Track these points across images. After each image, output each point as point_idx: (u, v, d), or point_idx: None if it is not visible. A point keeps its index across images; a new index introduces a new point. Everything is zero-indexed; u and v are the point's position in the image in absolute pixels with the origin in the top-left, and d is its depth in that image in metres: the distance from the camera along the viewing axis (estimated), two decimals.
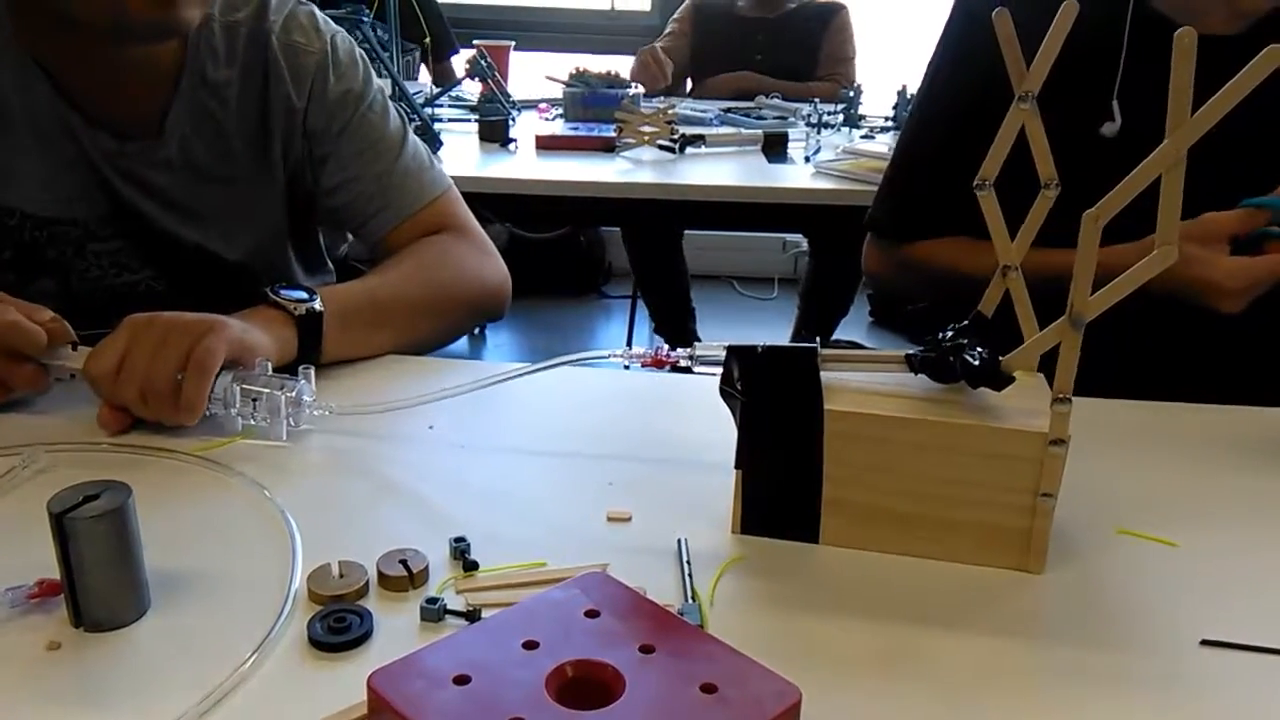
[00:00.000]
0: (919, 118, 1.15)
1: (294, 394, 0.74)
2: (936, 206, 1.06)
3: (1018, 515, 0.60)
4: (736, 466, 0.64)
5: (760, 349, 0.62)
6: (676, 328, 2.90)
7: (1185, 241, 0.79)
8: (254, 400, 0.74)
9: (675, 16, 3.03)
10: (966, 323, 0.65)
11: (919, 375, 0.62)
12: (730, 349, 0.63)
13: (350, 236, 1.40)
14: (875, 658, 0.54)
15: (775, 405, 0.62)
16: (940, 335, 0.63)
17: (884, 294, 3.19)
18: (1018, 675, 0.53)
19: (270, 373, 0.76)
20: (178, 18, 0.80)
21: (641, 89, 2.36)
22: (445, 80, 2.69)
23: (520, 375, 0.75)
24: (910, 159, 1.16)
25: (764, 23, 2.90)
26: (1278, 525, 0.68)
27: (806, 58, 2.87)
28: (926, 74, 1.13)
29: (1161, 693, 0.52)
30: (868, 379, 0.64)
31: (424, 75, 2.61)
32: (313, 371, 0.77)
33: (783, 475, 0.63)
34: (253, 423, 0.75)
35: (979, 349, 0.61)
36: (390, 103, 1.04)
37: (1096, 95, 0.98)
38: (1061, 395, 0.57)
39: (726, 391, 0.63)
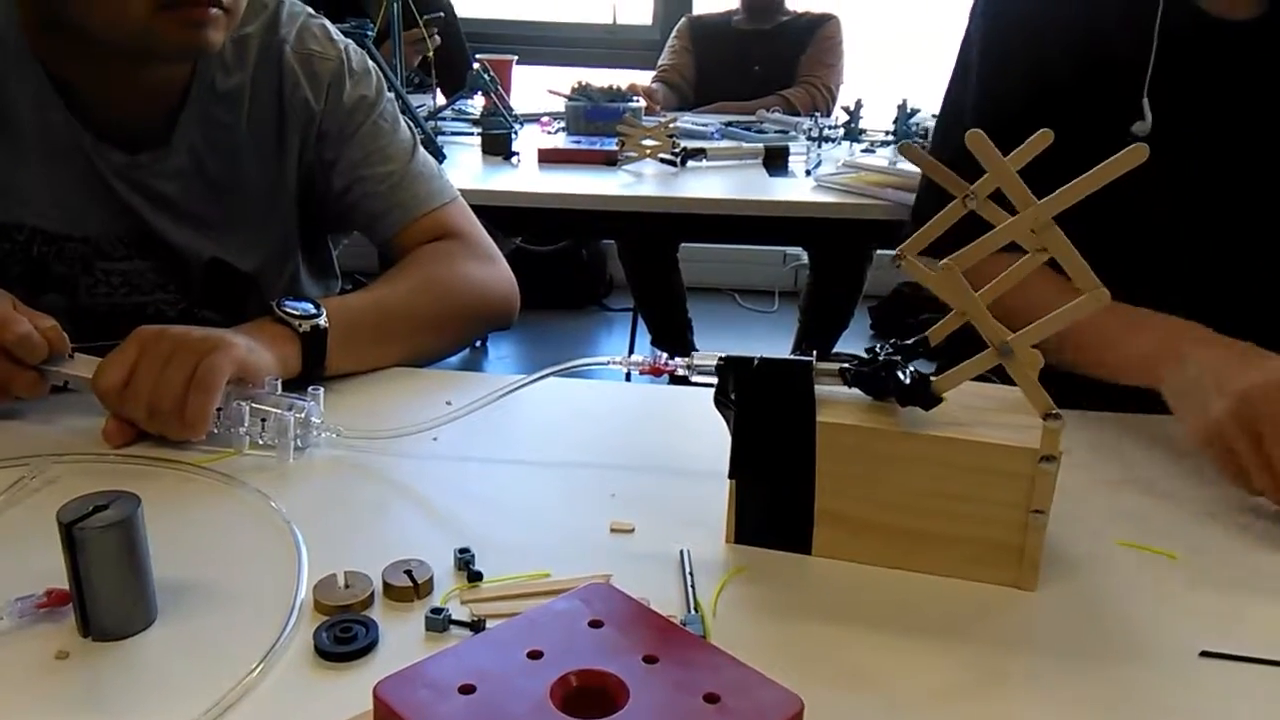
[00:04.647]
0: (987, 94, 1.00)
1: (303, 415, 0.75)
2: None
3: (1010, 531, 0.60)
4: (730, 477, 0.64)
5: (755, 361, 0.62)
6: (674, 340, 2.90)
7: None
8: (262, 420, 0.75)
9: (674, 34, 3.05)
10: (909, 341, 0.64)
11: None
12: (725, 360, 0.63)
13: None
14: (876, 669, 0.54)
15: (768, 417, 0.62)
16: (878, 350, 0.64)
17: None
18: (1019, 685, 0.53)
19: (280, 392, 0.76)
20: (205, 40, 0.81)
21: (642, 104, 2.37)
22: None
23: (520, 387, 0.75)
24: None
25: (759, 34, 2.93)
26: (1277, 536, 0.69)
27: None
28: (972, 62, 1.02)
29: (1160, 704, 0.52)
30: (862, 392, 0.64)
31: (439, 98, 2.61)
32: (321, 392, 0.77)
33: (776, 487, 0.63)
34: (260, 442, 0.75)
35: (911, 368, 0.61)
36: (400, 115, 1.05)
37: (1127, 93, 0.94)
38: (1053, 412, 0.57)
39: (721, 402, 0.64)
